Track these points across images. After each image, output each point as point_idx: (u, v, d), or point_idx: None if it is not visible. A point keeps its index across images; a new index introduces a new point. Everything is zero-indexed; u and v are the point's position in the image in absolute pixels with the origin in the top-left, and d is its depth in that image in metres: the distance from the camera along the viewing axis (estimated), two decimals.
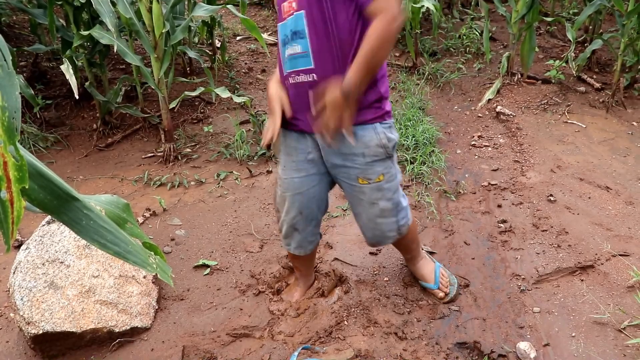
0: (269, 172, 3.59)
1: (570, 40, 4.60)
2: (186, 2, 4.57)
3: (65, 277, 2.30)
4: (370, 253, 2.83)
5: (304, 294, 2.54)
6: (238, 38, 6.28)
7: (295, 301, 2.50)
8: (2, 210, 0.94)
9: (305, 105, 1.90)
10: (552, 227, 3.05)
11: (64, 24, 4.32)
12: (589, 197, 3.35)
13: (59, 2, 3.89)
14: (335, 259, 2.79)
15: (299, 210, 2.17)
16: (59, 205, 1.12)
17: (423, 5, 4.86)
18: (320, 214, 2.27)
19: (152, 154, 3.91)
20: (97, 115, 4.23)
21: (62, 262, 2.34)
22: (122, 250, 1.20)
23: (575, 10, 7.26)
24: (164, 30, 3.46)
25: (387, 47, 1.76)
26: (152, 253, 1.32)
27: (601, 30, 5.75)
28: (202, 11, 3.63)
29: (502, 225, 3.08)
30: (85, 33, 3.50)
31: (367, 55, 1.75)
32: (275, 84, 2.04)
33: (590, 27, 5.89)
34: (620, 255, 2.81)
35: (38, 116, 4.25)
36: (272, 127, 1.97)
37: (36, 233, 2.46)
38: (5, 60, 0.95)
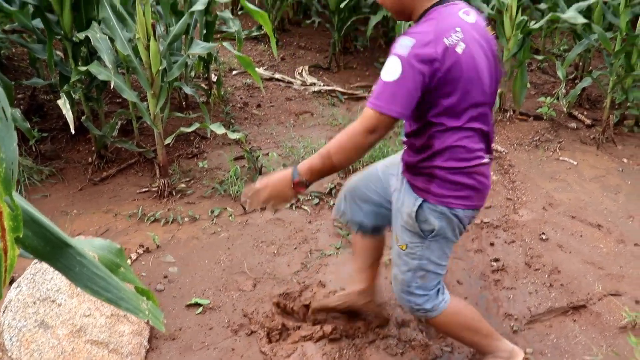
0: (262, 209, 3.60)
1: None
2: (183, 39, 4.64)
3: (57, 316, 2.29)
4: None
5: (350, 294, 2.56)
6: (234, 72, 6.35)
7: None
8: None
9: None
10: (544, 265, 3.07)
11: (62, 58, 4.36)
12: (581, 235, 3.37)
13: (58, 37, 3.94)
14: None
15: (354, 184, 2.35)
16: (53, 252, 1.14)
17: None
18: (368, 214, 2.32)
19: (147, 189, 3.92)
20: (93, 148, 4.25)
21: (53, 301, 2.33)
22: (114, 297, 1.21)
23: (566, 47, 7.39)
24: (160, 68, 3.51)
25: (342, 151, 1.80)
26: (145, 298, 1.32)
27: (591, 68, 5.86)
28: (199, 48, 3.69)
29: (494, 263, 3.09)
30: (83, 68, 3.54)
31: (327, 148, 1.83)
32: None
33: (581, 64, 6.00)
34: (612, 295, 2.82)
35: (33, 149, 4.25)
36: None
37: (28, 271, 2.45)
38: (4, 112, 0.97)
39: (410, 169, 1.98)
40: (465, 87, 1.77)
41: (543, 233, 3.36)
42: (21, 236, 0.96)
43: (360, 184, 2.32)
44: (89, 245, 1.34)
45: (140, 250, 3.19)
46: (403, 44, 1.71)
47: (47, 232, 1.13)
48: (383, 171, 2.26)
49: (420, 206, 1.92)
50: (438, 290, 2.11)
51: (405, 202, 1.98)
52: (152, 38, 3.42)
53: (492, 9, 5.56)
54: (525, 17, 4.82)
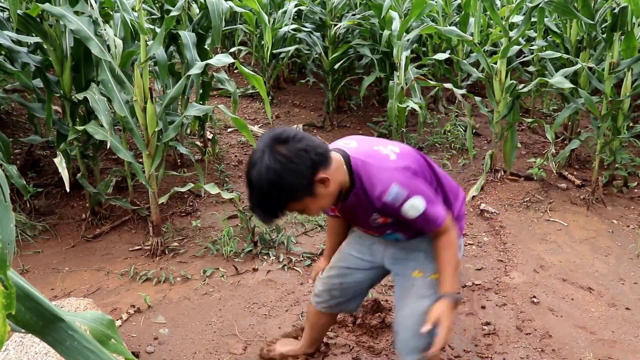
0: (255, 269, 3.61)
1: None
2: (180, 99, 4.73)
3: None
4: None
5: (296, 353, 2.68)
6: (229, 130, 6.44)
7: (283, 353, 2.71)
8: None
9: None
10: (535, 330, 3.06)
11: (61, 116, 4.43)
12: (572, 299, 3.38)
13: (57, 95, 4.02)
14: None
15: (340, 282, 2.40)
16: (44, 326, 1.15)
17: (408, 105, 5.08)
18: (356, 299, 2.49)
19: (140, 247, 3.92)
20: (87, 205, 4.27)
21: None
22: None
23: (555, 107, 7.55)
24: (157, 129, 3.58)
25: (453, 251, 2.09)
26: None
27: (579, 129, 5.98)
28: (195, 111, 3.77)
29: (486, 327, 3.09)
30: (81, 128, 3.61)
31: (447, 263, 2.09)
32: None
33: (570, 124, 6.12)
34: None
35: (28, 204, 4.28)
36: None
37: (17, 333, 2.43)
38: (3, 194, 1.01)
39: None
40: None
41: (534, 296, 3.37)
42: (14, 313, 0.99)
43: (347, 279, 2.41)
44: (81, 318, 1.36)
45: (131, 311, 3.17)
46: (403, 198, 1.92)
47: (40, 307, 1.15)
48: (358, 250, 2.39)
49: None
50: None
51: (414, 244, 2.20)
52: (149, 100, 3.51)
53: (481, 71, 5.73)
54: (515, 81, 4.96)
